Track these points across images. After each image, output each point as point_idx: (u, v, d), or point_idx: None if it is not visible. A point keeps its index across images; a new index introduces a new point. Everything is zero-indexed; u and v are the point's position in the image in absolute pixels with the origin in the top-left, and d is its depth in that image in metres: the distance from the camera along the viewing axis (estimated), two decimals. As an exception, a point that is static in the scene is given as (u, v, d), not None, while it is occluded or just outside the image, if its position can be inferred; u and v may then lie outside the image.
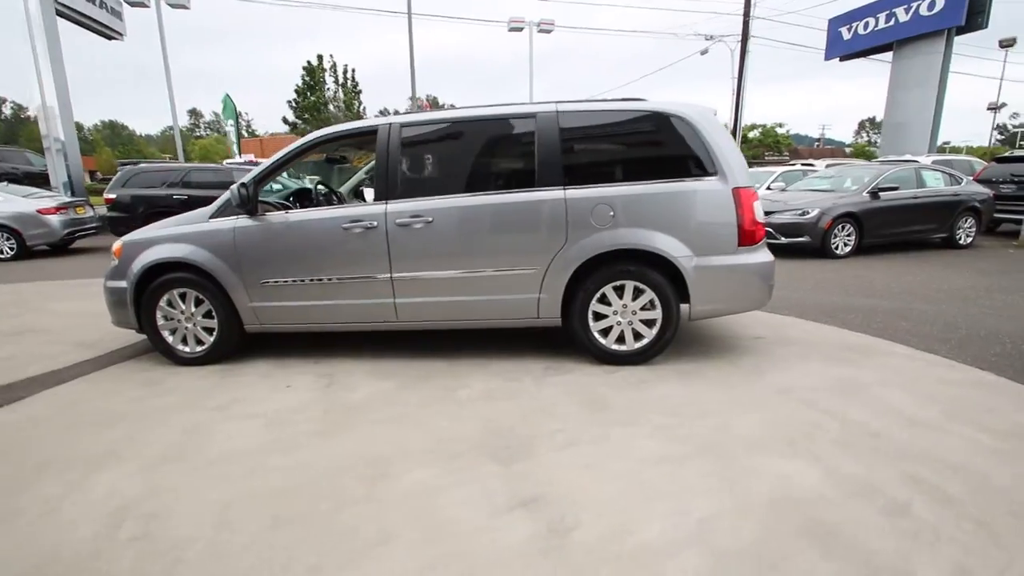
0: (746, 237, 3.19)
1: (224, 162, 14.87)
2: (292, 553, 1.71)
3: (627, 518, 1.85)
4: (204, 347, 3.63)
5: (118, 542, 1.78)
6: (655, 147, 3.29)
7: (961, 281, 6.01)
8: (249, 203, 3.36)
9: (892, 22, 17.36)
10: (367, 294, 3.41)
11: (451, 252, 3.32)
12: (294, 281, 3.44)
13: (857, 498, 1.96)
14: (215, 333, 3.60)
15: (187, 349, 3.64)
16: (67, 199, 10.15)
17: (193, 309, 3.58)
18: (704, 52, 23.06)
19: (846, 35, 19.54)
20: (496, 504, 1.94)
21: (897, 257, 7.68)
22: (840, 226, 7.62)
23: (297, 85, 31.58)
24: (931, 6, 15.82)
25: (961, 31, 15.61)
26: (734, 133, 19.08)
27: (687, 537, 1.75)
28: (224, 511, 1.95)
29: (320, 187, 4.44)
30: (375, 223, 3.31)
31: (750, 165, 9.73)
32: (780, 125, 44.95)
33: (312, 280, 3.42)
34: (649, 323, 3.33)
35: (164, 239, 3.56)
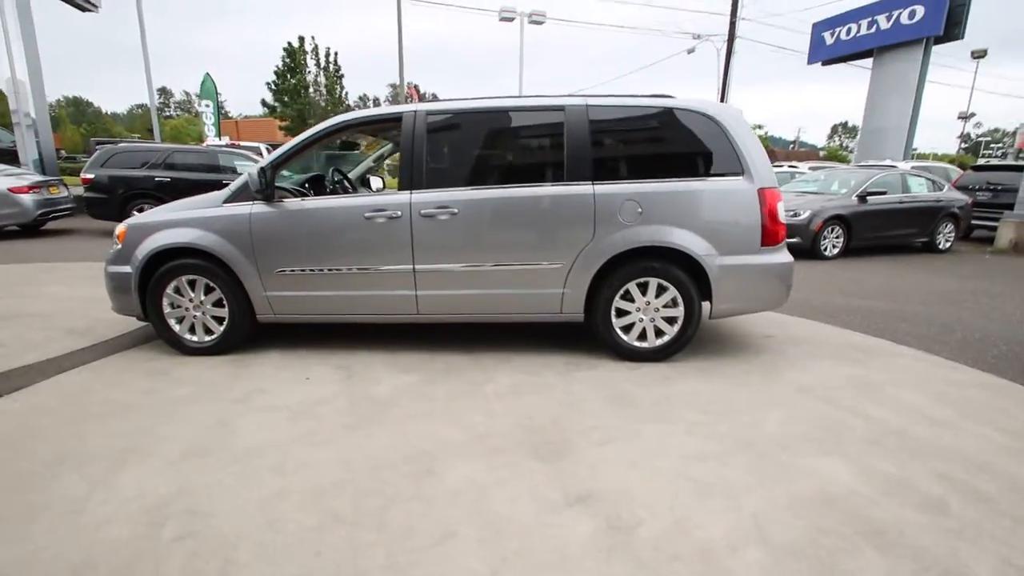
0: (769, 237, 3.24)
1: (206, 143, 14.36)
2: (350, 553, 1.67)
3: (684, 515, 1.87)
4: (213, 337, 3.51)
5: (162, 542, 1.71)
6: (683, 144, 3.30)
7: (947, 285, 6.24)
8: (268, 188, 3.24)
9: (874, 29, 17.78)
10: (388, 285, 3.34)
11: (476, 245, 3.27)
12: (312, 270, 3.34)
13: (894, 496, 2.01)
14: (225, 322, 3.48)
15: (195, 339, 3.52)
16: (40, 178, 9.66)
17: (203, 297, 3.46)
18: (691, 51, 23.27)
19: (829, 40, 19.94)
20: (550, 501, 1.93)
21: (882, 260, 7.92)
22: (830, 228, 7.82)
23: (277, 67, 30.61)
24: (912, 15, 16.27)
25: (939, 41, 16.09)
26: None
27: (745, 534, 1.77)
28: (266, 509, 1.89)
29: (334, 174, 4.32)
30: (399, 213, 3.24)
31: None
32: (759, 126, 45.86)
33: (331, 270, 3.33)
34: (670, 320, 3.35)
35: (173, 223, 3.42)
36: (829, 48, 20.04)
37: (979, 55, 26.33)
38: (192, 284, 3.45)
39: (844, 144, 64.77)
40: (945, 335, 4.20)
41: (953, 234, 8.63)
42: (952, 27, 15.64)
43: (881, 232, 8.12)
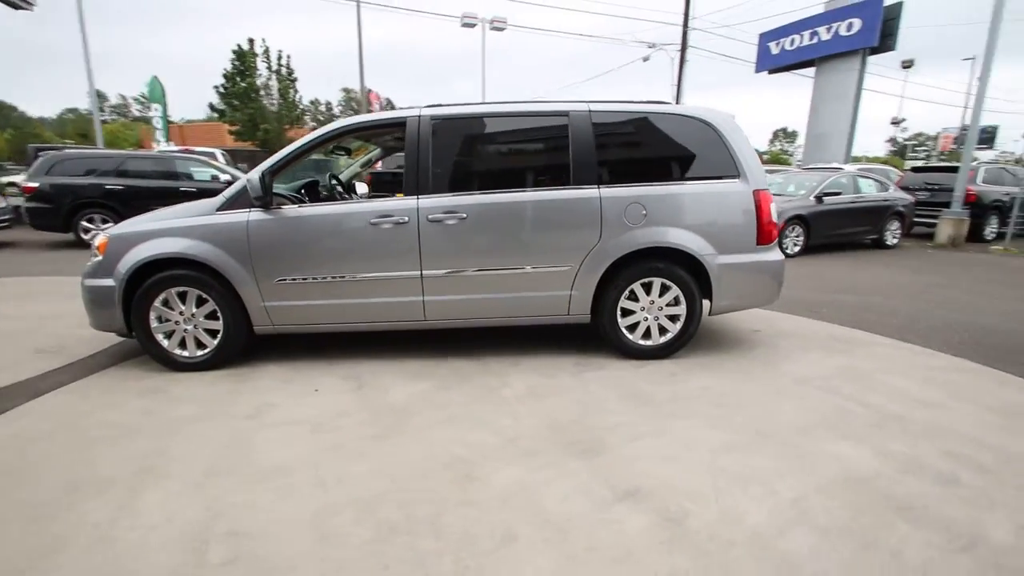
0: (764, 236, 3.41)
1: (157, 149, 13.62)
2: (416, 563, 1.64)
3: (728, 504, 1.94)
4: (206, 351, 3.34)
5: (211, 567, 1.62)
6: (682, 148, 3.42)
7: (901, 278, 6.71)
8: (267, 195, 3.13)
9: (815, 40, 18.93)
10: (395, 292, 3.29)
11: (485, 249, 3.27)
12: (315, 279, 3.25)
13: (911, 473, 2.16)
14: (219, 336, 3.32)
15: (186, 353, 3.34)
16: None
17: (194, 310, 3.29)
18: (646, 59, 24.01)
19: (774, 49, 21.06)
20: (600, 497, 1.96)
21: (839, 257, 8.43)
22: (791, 227, 8.24)
23: (225, 70, 29.42)
24: (850, 27, 17.43)
25: (874, 51, 17.30)
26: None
27: (789, 518, 1.86)
28: (315, 524, 1.82)
29: (331, 180, 4.20)
30: (406, 218, 3.20)
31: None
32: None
33: (335, 277, 3.25)
34: (673, 318, 3.46)
35: (161, 233, 3.24)
36: (775, 57, 21.15)
37: (907, 65, 28.54)
38: (182, 296, 3.28)
39: (784, 148, 68.35)
40: (912, 324, 4.52)
41: (899, 231, 9.29)
42: (886, 39, 16.87)
43: (837, 230, 8.64)
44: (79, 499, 1.97)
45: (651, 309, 3.43)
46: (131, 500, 1.96)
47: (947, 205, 9.76)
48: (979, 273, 7.18)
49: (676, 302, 3.42)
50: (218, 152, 13.42)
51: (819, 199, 8.44)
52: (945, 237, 9.52)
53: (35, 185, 8.32)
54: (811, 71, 19.86)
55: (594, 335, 3.58)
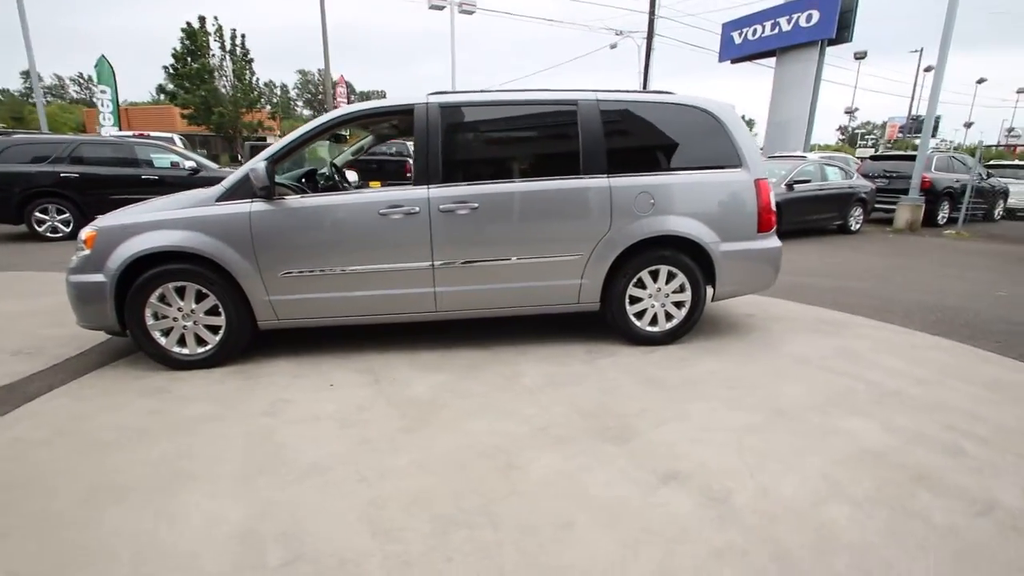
0: (764, 224, 3.53)
1: (103, 132, 12.79)
2: (481, 555, 1.65)
3: (763, 480, 2.03)
4: (207, 348, 3.22)
5: (272, 570, 1.59)
6: (687, 138, 3.48)
7: (870, 262, 7.08)
8: (272, 185, 3.01)
9: (776, 30, 19.44)
10: (405, 283, 3.24)
11: (497, 239, 3.26)
12: (323, 271, 3.16)
13: (919, 445, 2.32)
14: (222, 331, 3.20)
15: (186, 351, 3.21)
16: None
17: (194, 305, 3.16)
18: (614, 46, 24.14)
19: (737, 39, 21.52)
20: (642, 482, 2.02)
21: (808, 242, 8.79)
22: (764, 214, 8.52)
23: (175, 49, 27.87)
24: (809, 19, 17.98)
25: (832, 43, 17.92)
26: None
27: (822, 491, 1.97)
28: (368, 520, 1.81)
29: (329, 169, 4.07)
30: (417, 208, 3.15)
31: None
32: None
33: (344, 270, 3.17)
34: (679, 305, 3.55)
35: (155, 225, 3.08)
36: (738, 47, 21.62)
37: (860, 56, 29.80)
38: (181, 291, 3.13)
39: (743, 136, 70.22)
40: (889, 306, 4.79)
41: (862, 217, 9.77)
42: (842, 30, 17.48)
43: (806, 216, 9.00)
44: (105, 507, 1.88)
45: (658, 296, 3.51)
46: (164, 505, 1.89)
47: (904, 192, 10.31)
48: (938, 256, 7.65)
49: (681, 289, 3.51)
50: (176, 137, 12.74)
51: (790, 187, 8.76)
52: (903, 222, 10.07)
53: (-20, 173, 7.70)
54: (772, 61, 20.44)
55: (599, 323, 3.64)
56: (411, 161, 15.85)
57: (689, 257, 3.46)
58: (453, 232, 3.20)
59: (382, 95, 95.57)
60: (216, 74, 28.64)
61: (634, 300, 3.51)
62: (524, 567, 1.59)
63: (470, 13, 18.94)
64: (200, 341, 3.22)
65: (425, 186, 3.18)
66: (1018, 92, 39.33)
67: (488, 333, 3.76)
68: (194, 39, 27.66)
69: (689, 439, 2.35)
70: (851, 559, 1.64)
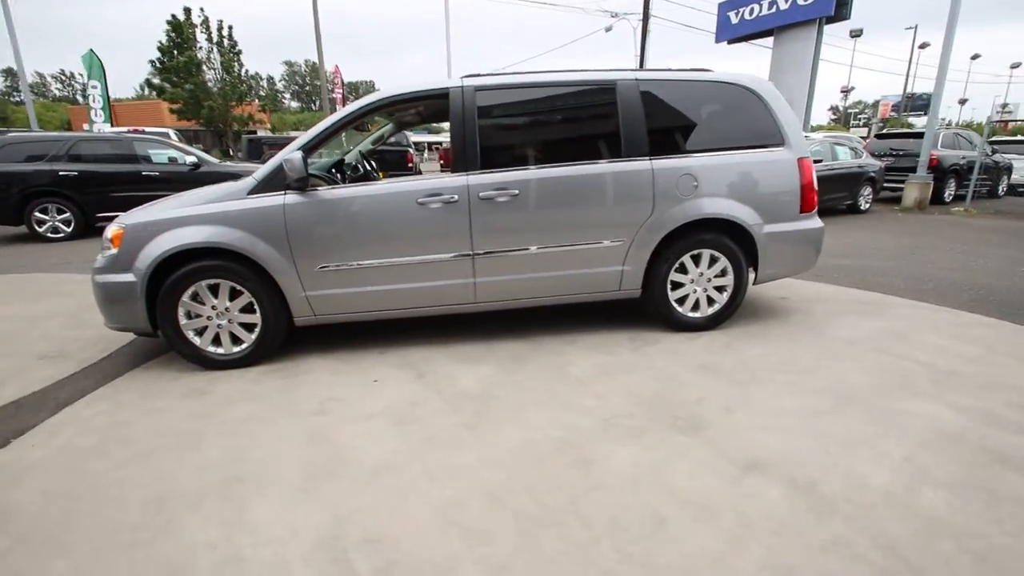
0: (807, 204, 3.45)
1: (96, 129, 12.49)
2: (579, 555, 1.58)
3: (847, 467, 1.97)
4: (243, 347, 3.12)
5: (363, 576, 1.52)
6: (728, 117, 3.39)
7: (886, 241, 7.03)
8: (307, 176, 2.90)
9: (774, 9, 19.21)
10: (444, 275, 3.15)
11: (537, 226, 3.17)
12: (360, 264, 3.06)
13: (993, 425, 2.27)
14: (258, 329, 3.11)
15: (221, 351, 3.11)
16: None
17: (228, 303, 3.05)
18: (609, 29, 23.82)
19: (734, 19, 21.26)
20: (725, 473, 1.96)
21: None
22: (776, 195, 8.45)
23: (160, 43, 27.24)
24: (807, -4, 17.75)
25: (830, 21, 17.74)
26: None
27: (911, 476, 1.92)
28: (451, 521, 1.74)
29: (357, 158, 3.94)
30: (455, 197, 3.05)
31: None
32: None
33: (382, 262, 3.07)
34: (720, 289, 3.49)
35: (185, 220, 2.96)
36: (734, 27, 21.35)
37: (856, 34, 29.61)
38: (214, 289, 3.03)
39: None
40: (919, 285, 4.75)
41: (871, 196, 9.72)
42: (841, 7, 17.27)
43: (819, 196, 8.92)
44: (176, 517, 1.80)
45: (700, 281, 3.44)
46: (238, 514, 1.81)
47: (912, 170, 10.27)
48: (952, 234, 7.63)
49: (723, 273, 3.44)
50: (172, 132, 12.46)
51: (801, 167, 8.68)
52: (912, 200, 10.04)
53: (-25, 173, 7.48)
54: (768, 42, 20.23)
55: (636, 309, 3.57)
56: (412, 151, 15.63)
57: (732, 240, 3.38)
58: (493, 220, 3.11)
59: (370, 85, 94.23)
60: (204, 67, 28.06)
61: (675, 286, 3.43)
62: (627, 566, 1.53)
63: (464, -2, 18.54)
64: (235, 340, 3.13)
65: (464, 174, 3.07)
66: (1012, 67, 39.32)
67: (526, 323, 3.68)
68: (180, 31, 27.04)
69: (760, 426, 2.29)
70: (958, 545, 1.59)
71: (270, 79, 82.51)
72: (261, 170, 3.03)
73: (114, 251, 2.99)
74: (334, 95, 25.02)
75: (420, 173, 16.16)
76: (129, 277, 2.95)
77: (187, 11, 27.31)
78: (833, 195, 9.16)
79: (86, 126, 19.28)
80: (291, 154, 2.87)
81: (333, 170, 3.71)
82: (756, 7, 20.09)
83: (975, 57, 36.23)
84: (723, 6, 21.73)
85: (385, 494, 1.89)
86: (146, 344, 3.54)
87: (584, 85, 3.27)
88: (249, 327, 3.12)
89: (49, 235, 7.82)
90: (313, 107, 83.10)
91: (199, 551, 1.64)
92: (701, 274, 3.42)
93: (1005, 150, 13.53)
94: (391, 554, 1.60)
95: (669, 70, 3.37)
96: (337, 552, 1.61)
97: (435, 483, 1.94)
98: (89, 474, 2.08)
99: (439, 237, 3.10)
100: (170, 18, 27.06)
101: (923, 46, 33.02)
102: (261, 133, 29.83)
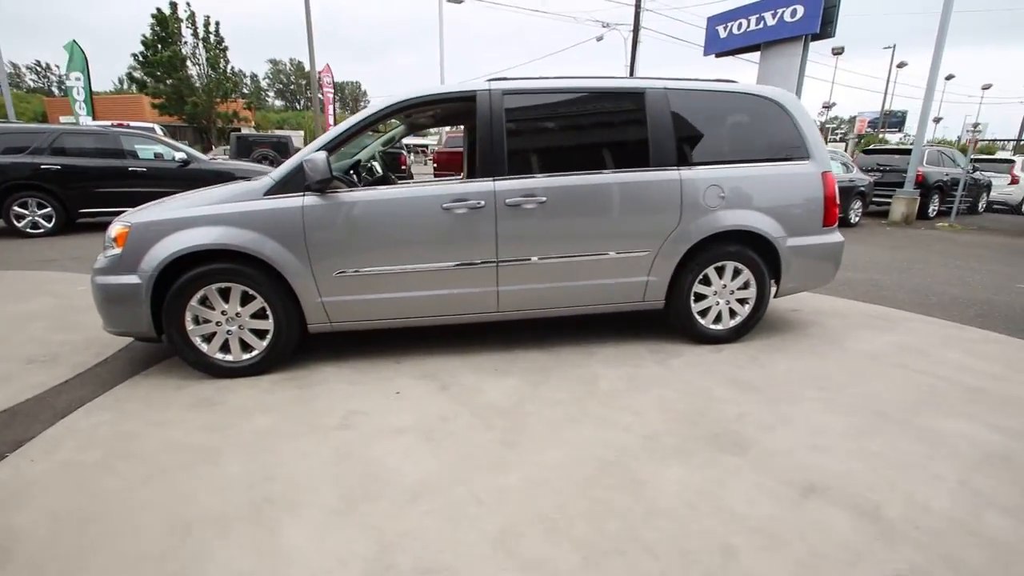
0: (829, 218, 3.44)
1: (81, 122, 12.04)
2: (645, 584, 1.49)
3: (905, 491, 1.92)
4: (254, 355, 2.97)
5: (422, 611, 1.40)
6: (754, 129, 3.36)
7: (881, 255, 7.14)
8: (330, 177, 2.77)
9: (761, 25, 19.54)
10: (467, 282, 3.04)
11: (564, 235, 3.09)
12: (380, 270, 2.94)
13: (1035, 446, 2.25)
14: (269, 336, 2.95)
15: (230, 358, 2.94)
16: None
17: (239, 308, 2.90)
18: (600, 38, 24.01)
19: (722, 33, 21.58)
20: (783, 497, 1.89)
21: (814, 234, 8.85)
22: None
23: (144, 36, 26.57)
24: (793, 13, 18.10)
25: (815, 38, 18.15)
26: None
27: (971, 500, 1.87)
28: (507, 550, 1.62)
29: (375, 161, 3.80)
30: (482, 203, 2.95)
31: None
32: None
33: (403, 268, 2.95)
34: (742, 301, 3.45)
35: (198, 221, 2.80)
36: (723, 41, 21.68)
37: (838, 52, 30.38)
38: (224, 293, 2.87)
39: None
40: (923, 300, 4.80)
41: (861, 210, 9.90)
42: (826, 25, 17.68)
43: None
44: (204, 545, 1.65)
45: (723, 293, 3.40)
46: (273, 539, 1.67)
47: (899, 185, 10.50)
48: (942, 248, 7.79)
49: (746, 285, 3.40)
50: (157, 128, 12.08)
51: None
52: (899, 215, 10.27)
53: (-49, 165, 7.11)
54: (755, 56, 20.61)
55: (652, 319, 3.51)
56: (405, 153, 15.42)
57: (755, 252, 3.35)
58: (519, 227, 3.01)
59: (357, 87, 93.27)
60: (189, 63, 27.44)
61: (698, 297, 3.38)
62: (706, 601, 1.44)
63: (459, 1, 18.51)
64: (245, 347, 2.97)
65: (491, 179, 2.98)
66: (983, 88, 40.84)
67: (544, 333, 3.59)
68: (165, 25, 26.41)
69: (806, 446, 2.23)
70: (1035, 576, 1.54)
71: (254, 76, 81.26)
72: (279, 170, 2.89)
73: (118, 251, 2.81)
74: (322, 94, 24.66)
75: (412, 176, 15.99)
76: (133, 279, 2.78)
77: (173, 5, 26.70)
78: (826, 208, 9.29)
79: (63, 118, 18.66)
80: (313, 154, 2.74)
81: (351, 171, 3.57)
82: (744, 22, 20.43)
83: (949, 78, 37.57)
84: (712, 20, 22.06)
85: (431, 518, 1.77)
86: (143, 349, 3.35)
87: (612, 91, 3.21)
88: (260, 333, 2.96)
89: (28, 230, 7.46)
90: (297, 106, 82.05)
91: (235, 584, 1.50)
92: (724, 286, 3.38)
93: (983, 168, 13.97)
94: (449, 587, 1.48)
95: (696, 80, 3.33)
96: (391, 585, 1.49)
97: (484, 507, 1.83)
98: (101, 494, 1.91)
99: (464, 243, 2.99)
100: (155, 12, 26.42)
101: (901, 65, 34.07)
102: (245, 131, 29.24)
